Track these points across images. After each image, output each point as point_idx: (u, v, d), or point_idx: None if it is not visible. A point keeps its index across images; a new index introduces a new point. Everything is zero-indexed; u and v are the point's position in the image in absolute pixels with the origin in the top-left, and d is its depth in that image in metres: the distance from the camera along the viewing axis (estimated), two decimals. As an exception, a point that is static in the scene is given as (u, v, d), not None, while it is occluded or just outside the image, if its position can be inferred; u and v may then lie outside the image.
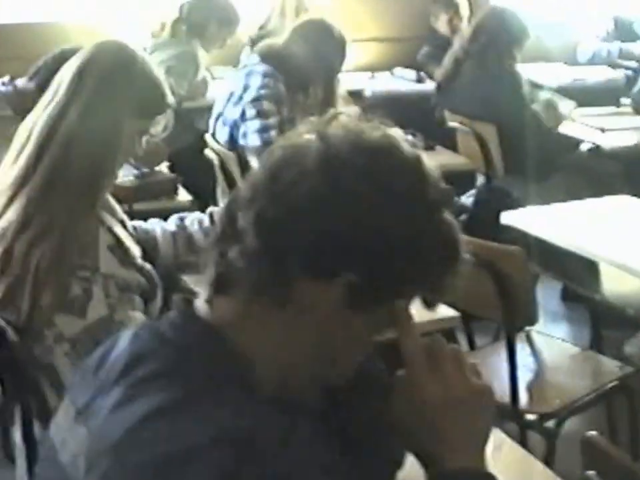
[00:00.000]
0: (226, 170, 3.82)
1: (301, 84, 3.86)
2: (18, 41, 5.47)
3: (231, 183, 3.70)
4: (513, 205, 4.16)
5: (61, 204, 2.03)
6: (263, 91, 3.77)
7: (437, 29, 6.13)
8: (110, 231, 2.13)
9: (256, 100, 3.77)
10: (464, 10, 6.11)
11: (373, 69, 6.12)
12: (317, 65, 3.84)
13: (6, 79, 3.41)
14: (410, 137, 4.10)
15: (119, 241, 2.13)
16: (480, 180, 4.26)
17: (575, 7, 6.55)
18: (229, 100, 3.99)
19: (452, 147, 4.44)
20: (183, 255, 2.34)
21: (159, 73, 2.17)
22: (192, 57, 4.96)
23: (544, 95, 4.47)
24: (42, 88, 3.27)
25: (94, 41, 2.14)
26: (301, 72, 3.82)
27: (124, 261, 2.13)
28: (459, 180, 4.14)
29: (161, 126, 2.26)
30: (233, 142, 3.89)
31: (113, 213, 2.25)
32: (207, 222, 2.56)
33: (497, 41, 4.20)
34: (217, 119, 4.06)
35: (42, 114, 2.09)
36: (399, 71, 5.96)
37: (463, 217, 4.14)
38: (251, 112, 3.78)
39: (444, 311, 2.38)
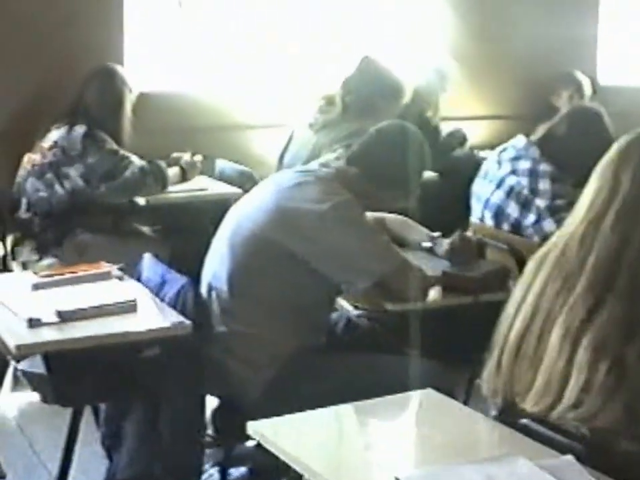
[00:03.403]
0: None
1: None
2: (166, 110, 5.26)
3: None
4: None
5: None
6: (559, 202, 3.55)
7: (557, 106, 6.13)
8: None
9: (556, 212, 3.56)
10: (587, 88, 6.14)
11: (491, 147, 6.05)
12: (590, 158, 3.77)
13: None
14: None
15: None
16: None
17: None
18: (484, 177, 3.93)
19: None
20: None
21: None
22: (367, 134, 4.83)
23: None
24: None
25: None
26: (577, 168, 3.71)
27: None
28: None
29: None
30: (498, 223, 3.78)
31: None
32: None
33: None
34: None
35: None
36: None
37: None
38: (549, 221, 3.63)
39: None
